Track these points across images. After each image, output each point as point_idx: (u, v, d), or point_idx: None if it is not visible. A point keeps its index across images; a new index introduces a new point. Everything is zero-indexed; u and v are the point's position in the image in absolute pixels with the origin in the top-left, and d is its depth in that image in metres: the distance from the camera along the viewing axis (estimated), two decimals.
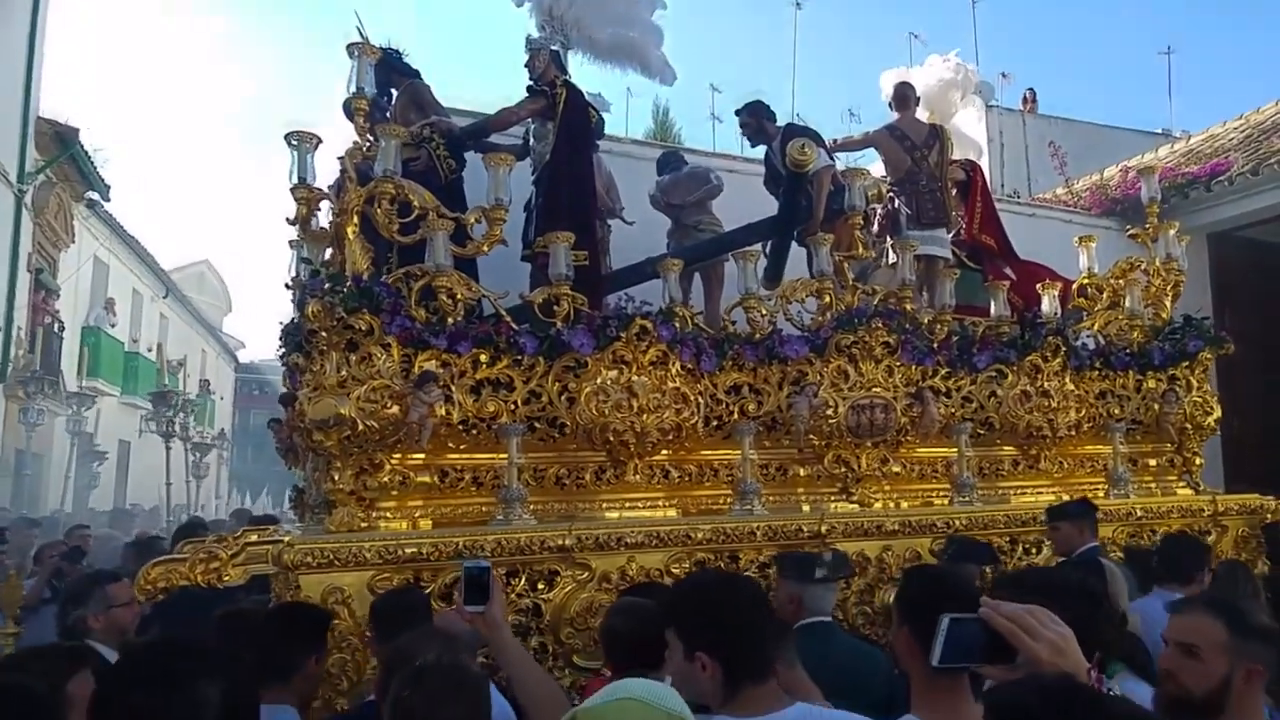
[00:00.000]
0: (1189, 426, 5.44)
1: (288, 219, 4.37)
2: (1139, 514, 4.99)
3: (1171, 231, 5.64)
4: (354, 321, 3.81)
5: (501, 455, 3.98)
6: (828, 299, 4.63)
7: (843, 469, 4.61)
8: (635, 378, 4.17)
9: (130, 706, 1.33)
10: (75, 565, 6.20)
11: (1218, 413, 5.54)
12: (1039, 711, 1.15)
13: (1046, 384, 4.99)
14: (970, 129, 11.14)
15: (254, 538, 4.08)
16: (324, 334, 3.84)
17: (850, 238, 4.95)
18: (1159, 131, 13.06)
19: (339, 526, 3.79)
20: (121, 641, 3.60)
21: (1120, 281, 5.54)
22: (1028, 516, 4.67)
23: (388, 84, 5.27)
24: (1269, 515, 5.38)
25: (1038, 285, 5.36)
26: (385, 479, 3.93)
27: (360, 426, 3.75)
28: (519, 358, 4.13)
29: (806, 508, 4.52)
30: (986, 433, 5.00)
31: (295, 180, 4.20)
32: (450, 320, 4.05)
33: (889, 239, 5.68)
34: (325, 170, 4.51)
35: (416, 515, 4.03)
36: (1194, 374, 5.51)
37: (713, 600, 2.09)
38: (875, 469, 4.66)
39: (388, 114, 5.05)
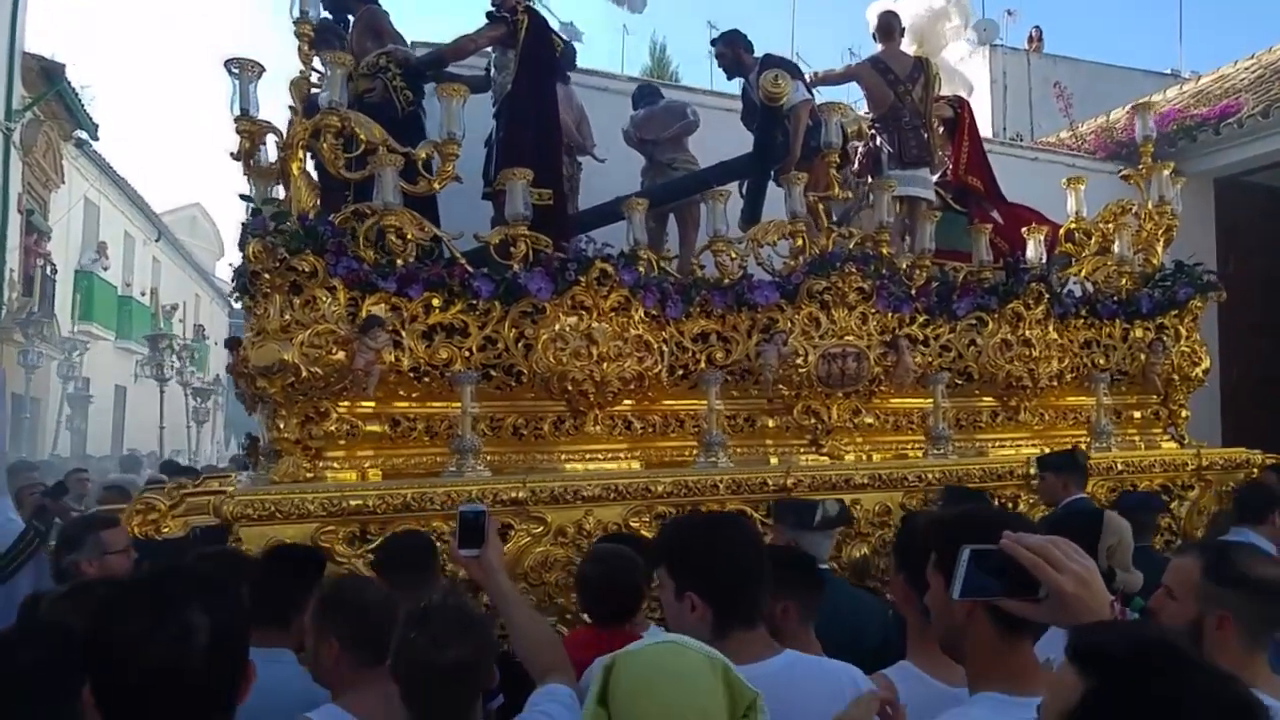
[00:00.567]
0: (1176, 378, 5.25)
1: (231, 154, 4.15)
2: (1120, 467, 4.83)
3: (1165, 172, 5.38)
4: (297, 263, 3.64)
5: (456, 404, 3.83)
6: (800, 242, 4.42)
7: (813, 420, 4.46)
8: (595, 324, 4.00)
9: (119, 634, 1.32)
10: (58, 501, 6.11)
11: (1206, 363, 5.36)
12: (1133, 666, 1.07)
13: (1028, 332, 4.80)
14: (973, 70, 10.81)
15: (192, 488, 3.96)
16: (266, 276, 3.67)
17: (827, 177, 4.72)
18: (1168, 72, 12.66)
19: (283, 477, 3.66)
20: None
21: (1110, 226, 5.30)
22: (1004, 470, 4.53)
23: (345, 10, 5.00)
24: (1255, 470, 5.22)
25: (1023, 230, 5.13)
26: (332, 428, 3.79)
27: (304, 373, 3.61)
28: (474, 302, 3.96)
29: (775, 460, 4.38)
30: (965, 383, 4.83)
31: (237, 112, 3.97)
32: (400, 262, 3.87)
33: (870, 179, 5.42)
34: None
35: (366, 466, 3.90)
36: (1183, 323, 5.30)
37: (708, 540, 2.02)
38: (847, 420, 4.50)
39: (345, 41, 4.79)
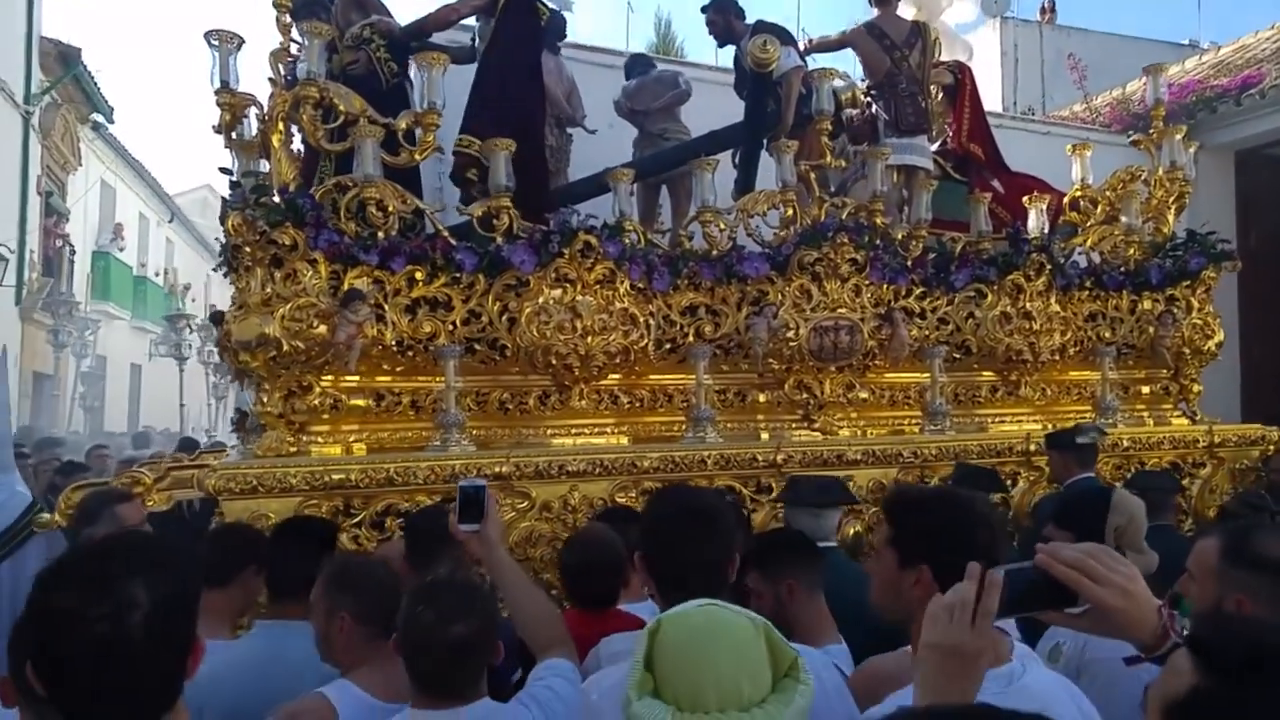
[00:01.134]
0: (1187, 351, 5.10)
1: (213, 127, 4.11)
2: (1126, 444, 4.71)
3: (1178, 137, 5.19)
4: (278, 236, 3.59)
5: (440, 379, 3.79)
6: (791, 212, 4.32)
7: (805, 395, 4.37)
8: (580, 297, 3.93)
9: (54, 609, 1.31)
10: (70, 479, 6.16)
11: (1219, 336, 5.19)
12: (1247, 668, 1.05)
13: (1029, 305, 4.66)
14: (984, 42, 10.58)
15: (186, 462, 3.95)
16: (247, 249, 3.64)
17: (819, 145, 4.60)
18: (1186, 43, 12.34)
19: (267, 451, 3.64)
20: None
21: (1117, 194, 5.14)
22: (1003, 446, 4.43)
23: None
24: (1271, 448, 5.09)
25: (1024, 199, 4.98)
26: (315, 402, 3.76)
27: (286, 347, 3.58)
28: (457, 275, 3.90)
29: (765, 435, 4.30)
30: (963, 357, 4.71)
31: (217, 84, 3.93)
32: (382, 235, 3.81)
33: (866, 147, 5.28)
34: None
35: (351, 440, 3.88)
36: (1195, 294, 5.14)
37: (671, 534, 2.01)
38: (840, 395, 4.41)
39: (329, 12, 4.72)
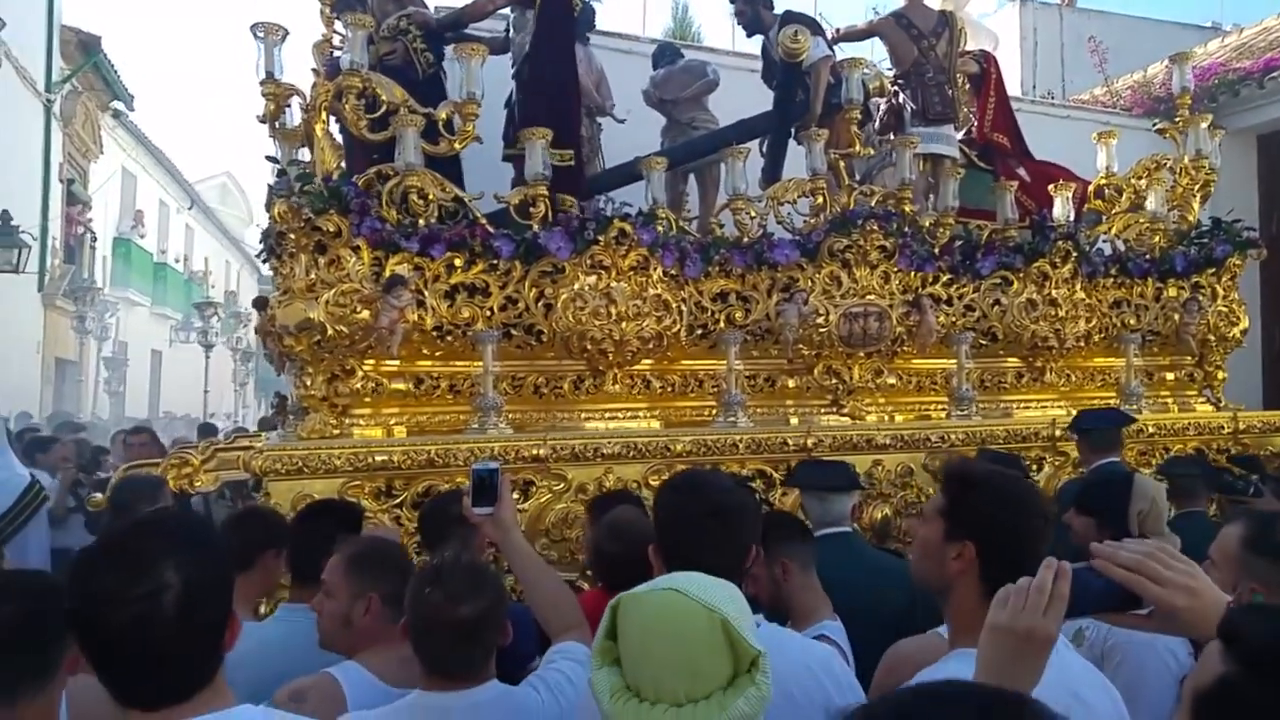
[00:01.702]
0: (1212, 338, 5.14)
1: (258, 117, 4.20)
2: (1150, 431, 4.76)
3: (1203, 125, 5.21)
4: (322, 223, 3.69)
5: (478, 363, 3.87)
6: (821, 200, 4.38)
7: (834, 380, 4.44)
8: (614, 283, 4.01)
9: (92, 591, 1.36)
10: (91, 476, 6.28)
11: (1244, 323, 5.23)
12: (1272, 656, 1.03)
13: (1054, 292, 4.72)
14: (1003, 26, 10.53)
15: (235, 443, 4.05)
16: (292, 236, 3.73)
17: (848, 134, 4.65)
18: (1208, 25, 12.25)
19: (310, 434, 3.74)
20: None
21: (1142, 182, 5.18)
22: (1029, 432, 4.49)
23: None
24: None
25: (1050, 187, 5.03)
26: (357, 385, 3.86)
27: (330, 331, 3.67)
28: (495, 262, 3.98)
29: (795, 420, 4.38)
30: (989, 343, 4.77)
31: (262, 75, 4.01)
32: (422, 222, 3.90)
33: (893, 136, 5.33)
34: None
35: (391, 423, 3.97)
36: (1220, 281, 5.18)
37: (688, 534, 1.98)
38: (868, 381, 4.48)
39: (367, 4, 4.79)
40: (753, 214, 4.33)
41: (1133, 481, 2.97)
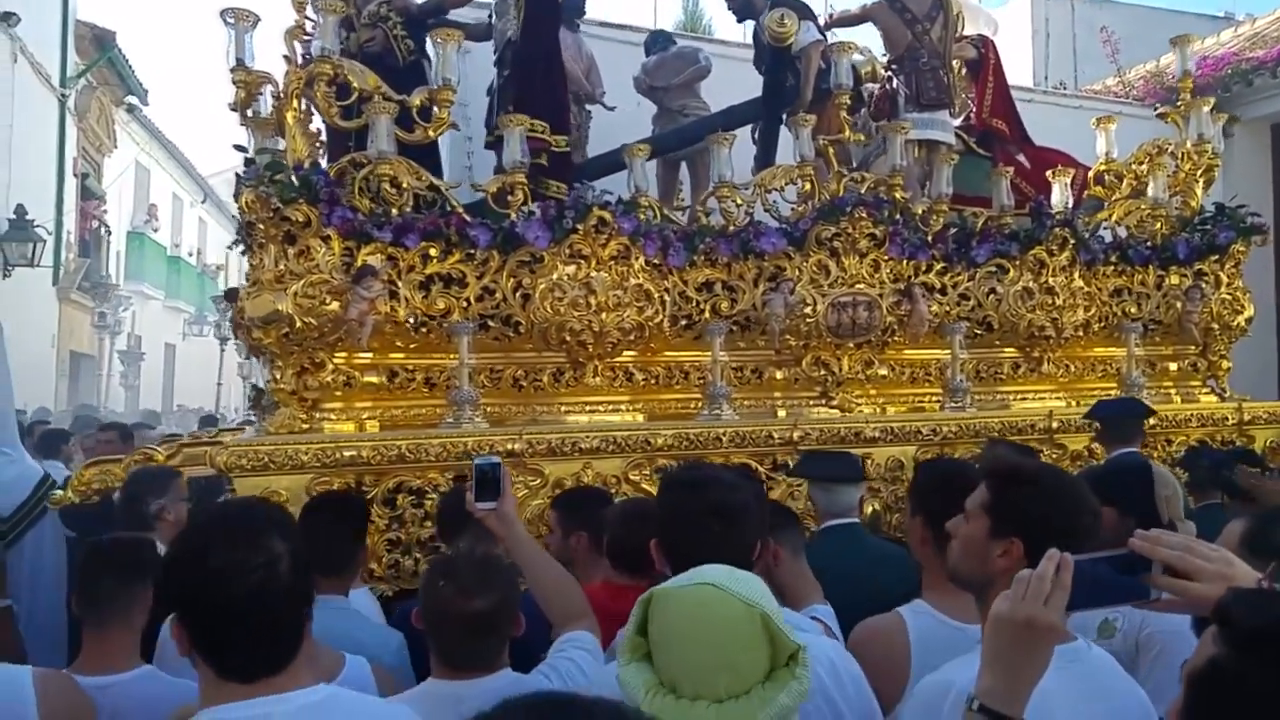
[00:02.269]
0: (1215, 327, 4.98)
1: (229, 105, 4.13)
2: (1153, 422, 4.60)
3: (1205, 109, 5.05)
4: (291, 213, 3.61)
5: (454, 356, 3.78)
6: (809, 187, 4.26)
7: (822, 372, 4.32)
8: (594, 273, 3.91)
9: (214, 567, 1.44)
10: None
11: (1249, 311, 5.06)
12: (1260, 638, 1.03)
13: (1051, 280, 4.57)
14: (1014, 17, 10.33)
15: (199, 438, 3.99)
16: (260, 226, 3.66)
17: (837, 120, 4.52)
18: (1221, 15, 12.02)
19: (279, 428, 3.67)
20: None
21: (1143, 167, 5.02)
22: (1025, 423, 4.35)
23: None
24: None
25: (1048, 173, 4.88)
26: (328, 379, 3.78)
27: (298, 323, 3.59)
28: (471, 252, 3.89)
29: (782, 413, 4.27)
30: (984, 333, 4.64)
31: (233, 62, 3.93)
32: (396, 211, 3.81)
33: (886, 122, 5.19)
34: None
35: (364, 417, 3.89)
36: (1224, 268, 5.01)
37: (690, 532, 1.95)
38: (858, 372, 4.36)
39: None
40: (739, 201, 4.21)
41: (1151, 469, 2.97)
